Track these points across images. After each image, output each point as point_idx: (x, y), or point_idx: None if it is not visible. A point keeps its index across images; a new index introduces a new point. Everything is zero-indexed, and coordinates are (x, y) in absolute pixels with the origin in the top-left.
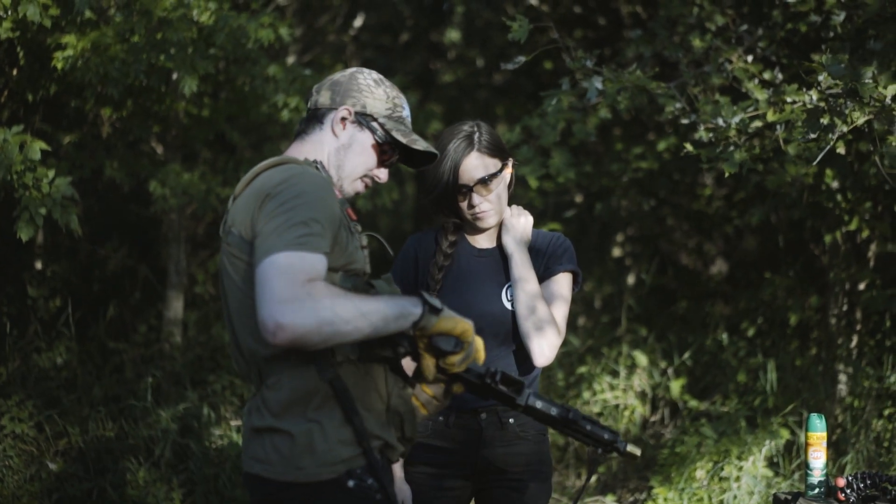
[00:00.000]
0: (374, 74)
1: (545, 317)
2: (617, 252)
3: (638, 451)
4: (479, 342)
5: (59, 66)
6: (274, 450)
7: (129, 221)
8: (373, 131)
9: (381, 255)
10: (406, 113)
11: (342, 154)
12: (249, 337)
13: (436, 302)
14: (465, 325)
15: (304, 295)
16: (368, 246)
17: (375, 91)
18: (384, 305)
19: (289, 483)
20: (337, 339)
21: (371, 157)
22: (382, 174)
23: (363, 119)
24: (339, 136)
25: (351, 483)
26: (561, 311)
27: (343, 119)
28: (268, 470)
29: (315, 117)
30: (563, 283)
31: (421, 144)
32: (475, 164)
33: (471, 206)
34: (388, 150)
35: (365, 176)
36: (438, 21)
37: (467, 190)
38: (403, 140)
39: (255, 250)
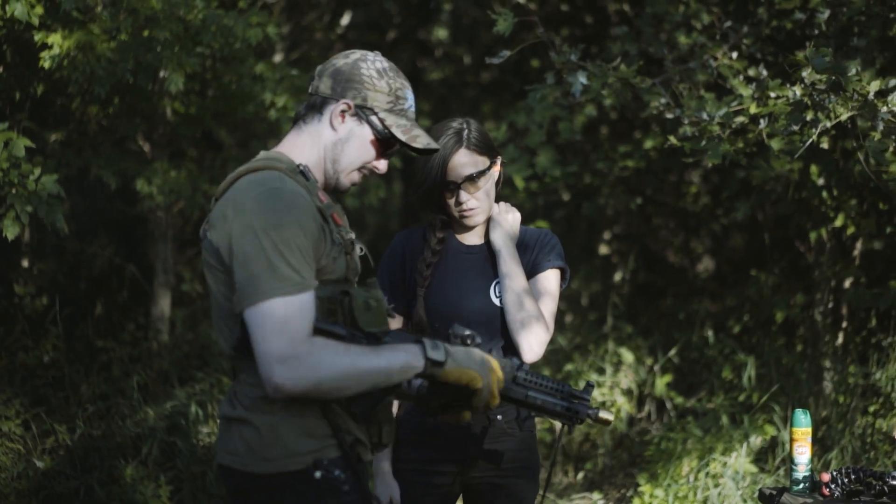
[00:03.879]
0: (378, 63)
1: (533, 312)
2: (604, 250)
3: (610, 417)
4: (495, 376)
5: (46, 65)
6: (242, 441)
7: (116, 219)
8: (372, 126)
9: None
10: (409, 104)
11: (339, 148)
12: (220, 335)
13: (438, 355)
14: (471, 374)
15: (303, 353)
16: (356, 247)
17: (378, 83)
18: (385, 361)
19: (256, 474)
20: (336, 395)
21: (369, 151)
22: (381, 165)
23: (363, 112)
24: (338, 130)
25: (318, 474)
26: (549, 307)
27: (342, 112)
28: (237, 461)
29: (315, 106)
30: (551, 279)
31: (421, 141)
32: (463, 162)
33: (458, 204)
34: (387, 143)
35: (363, 167)
36: (425, 19)
37: (455, 187)
38: (403, 137)
39: (240, 286)
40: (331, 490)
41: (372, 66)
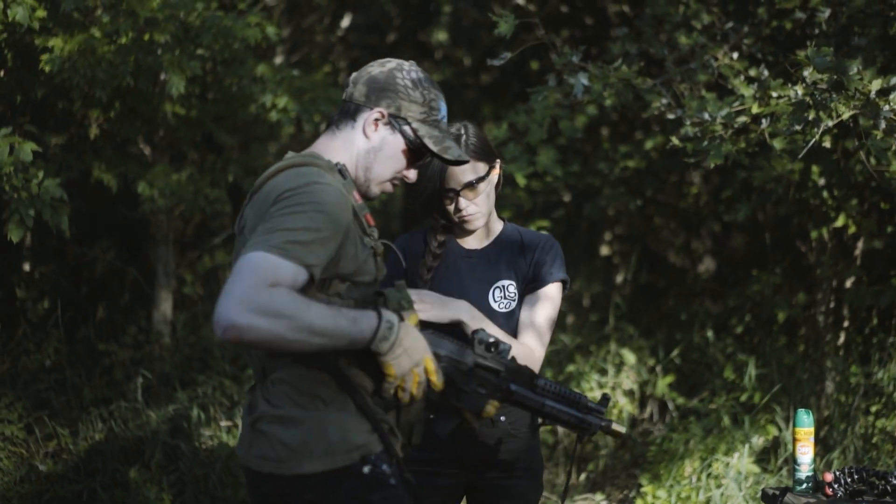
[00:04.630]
0: (414, 73)
1: (523, 351)
2: (605, 250)
3: (623, 429)
4: (429, 369)
5: (47, 69)
6: (281, 444)
7: (117, 223)
8: (405, 135)
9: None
10: (442, 115)
11: (371, 156)
12: None
13: (383, 346)
14: (402, 367)
15: (263, 298)
16: (383, 251)
17: (412, 93)
18: (339, 327)
19: (304, 475)
20: (284, 348)
21: (400, 161)
22: (411, 175)
23: (396, 122)
24: (371, 138)
25: (366, 469)
26: (549, 316)
27: (376, 121)
28: (280, 467)
29: (348, 112)
30: (555, 292)
31: (452, 153)
32: (462, 168)
33: (457, 210)
34: (418, 152)
35: (393, 178)
36: (425, 21)
37: (454, 194)
38: (434, 148)
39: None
40: (378, 484)
41: (407, 76)
